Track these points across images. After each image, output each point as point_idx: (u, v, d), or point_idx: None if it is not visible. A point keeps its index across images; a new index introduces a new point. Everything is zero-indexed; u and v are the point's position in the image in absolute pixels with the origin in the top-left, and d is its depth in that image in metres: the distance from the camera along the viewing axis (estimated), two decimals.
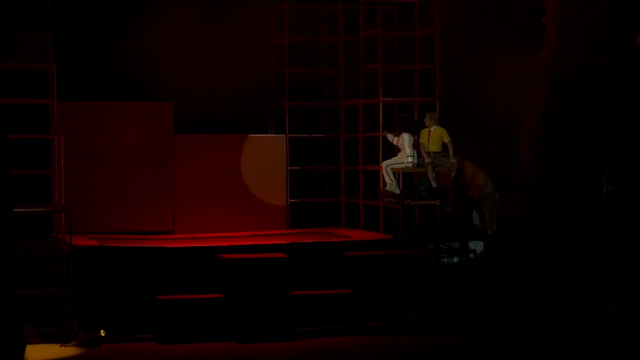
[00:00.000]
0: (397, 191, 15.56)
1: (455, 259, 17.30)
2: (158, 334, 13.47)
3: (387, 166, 15.75)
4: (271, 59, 17.33)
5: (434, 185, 15.70)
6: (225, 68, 16.99)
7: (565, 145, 14.66)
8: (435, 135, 15.57)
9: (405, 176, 15.83)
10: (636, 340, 9.86)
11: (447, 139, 15.60)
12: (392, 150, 16.00)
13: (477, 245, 18.09)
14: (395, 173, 15.74)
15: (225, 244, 14.51)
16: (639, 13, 11.84)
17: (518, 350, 9.83)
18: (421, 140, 15.65)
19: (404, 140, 15.64)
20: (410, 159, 15.55)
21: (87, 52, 16.48)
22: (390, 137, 15.91)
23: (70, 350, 13.01)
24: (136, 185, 15.98)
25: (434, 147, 15.59)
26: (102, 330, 13.29)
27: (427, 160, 15.51)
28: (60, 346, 13.13)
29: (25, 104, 15.01)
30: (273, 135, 17.15)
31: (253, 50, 17.23)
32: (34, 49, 15.12)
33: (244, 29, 16.73)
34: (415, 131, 15.78)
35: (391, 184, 15.72)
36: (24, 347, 10.77)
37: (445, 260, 17.80)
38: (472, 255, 15.67)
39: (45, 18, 14.93)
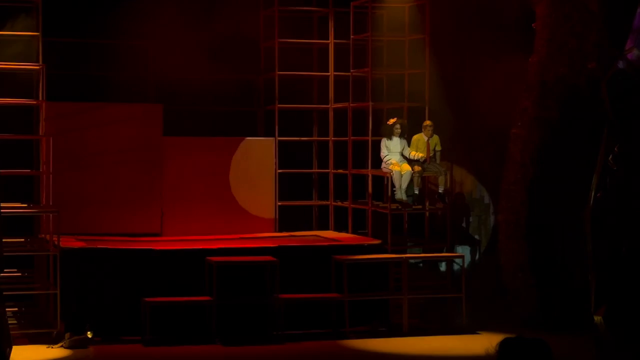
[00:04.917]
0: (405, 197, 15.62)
1: (443, 264, 17.31)
2: (145, 336, 13.44)
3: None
4: (261, 62, 17.32)
5: (416, 191, 15.75)
6: (215, 70, 16.97)
7: (554, 151, 14.71)
8: (431, 143, 15.66)
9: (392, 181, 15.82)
10: (624, 342, 9.88)
11: (439, 147, 15.71)
12: (379, 156, 15.97)
13: (465, 250, 18.11)
14: (388, 178, 15.72)
15: (214, 246, 14.49)
16: (628, 20, 11.88)
17: None
18: (415, 148, 15.65)
19: (408, 146, 15.70)
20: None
21: (76, 53, 16.45)
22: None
23: (57, 351, 12.96)
24: (125, 187, 15.94)
25: (424, 154, 15.64)
26: (89, 332, 13.24)
27: (418, 167, 15.55)
28: (47, 347, 13.09)
29: (12, 104, 14.97)
30: (262, 138, 17.14)
31: (243, 52, 17.22)
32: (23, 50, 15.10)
33: (235, 31, 16.72)
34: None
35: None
36: (10, 348, 10.73)
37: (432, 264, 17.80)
38: (459, 262, 15.66)
39: (35, 18, 14.89)
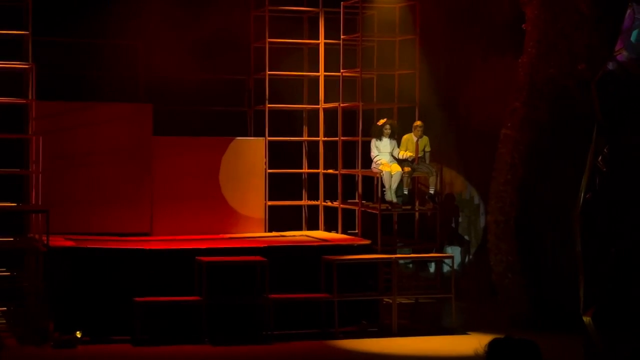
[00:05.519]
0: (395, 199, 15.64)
1: (432, 265, 17.33)
2: (134, 336, 13.42)
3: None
4: (251, 62, 17.31)
5: (405, 192, 15.78)
6: (206, 70, 16.96)
7: (543, 152, 14.73)
8: (421, 144, 15.72)
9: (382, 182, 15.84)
10: (612, 342, 9.90)
11: (428, 148, 15.77)
12: (369, 156, 15.97)
13: (455, 251, 18.14)
14: (378, 179, 15.73)
15: (203, 246, 14.48)
16: (618, 21, 11.90)
17: None
18: (405, 148, 15.68)
19: (398, 146, 15.76)
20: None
21: (66, 53, 16.42)
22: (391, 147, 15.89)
23: (45, 351, 12.94)
24: (114, 186, 15.92)
25: (413, 153, 15.69)
26: (78, 332, 13.22)
27: (408, 168, 15.59)
28: (36, 347, 13.06)
29: (1, 103, 14.94)
30: (252, 138, 17.13)
31: (233, 52, 17.21)
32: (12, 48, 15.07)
33: (225, 31, 16.71)
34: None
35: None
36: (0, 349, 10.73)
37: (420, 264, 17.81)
38: (449, 262, 15.68)
39: (24, 17, 14.86)
